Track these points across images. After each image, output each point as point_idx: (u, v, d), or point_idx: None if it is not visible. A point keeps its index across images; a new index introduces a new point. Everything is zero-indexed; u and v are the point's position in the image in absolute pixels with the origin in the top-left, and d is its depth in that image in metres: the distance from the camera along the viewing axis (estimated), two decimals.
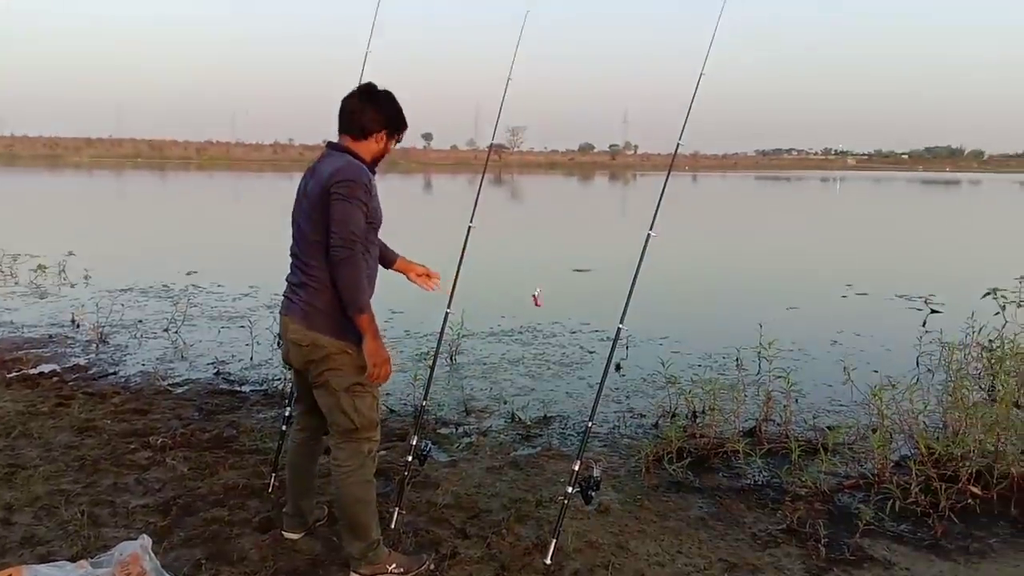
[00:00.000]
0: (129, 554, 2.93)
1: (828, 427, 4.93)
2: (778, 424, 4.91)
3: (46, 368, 5.99)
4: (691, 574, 3.18)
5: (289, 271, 3.01)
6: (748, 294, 10.75)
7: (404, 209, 30.45)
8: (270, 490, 3.80)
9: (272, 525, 3.45)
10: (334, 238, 2.72)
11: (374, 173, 2.91)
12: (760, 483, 4.14)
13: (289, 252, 3.01)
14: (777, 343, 5.68)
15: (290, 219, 2.99)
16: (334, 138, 3.01)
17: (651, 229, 3.38)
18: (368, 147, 2.93)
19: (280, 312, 3.05)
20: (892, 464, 4.19)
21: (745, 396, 5.17)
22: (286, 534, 3.34)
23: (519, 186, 49.84)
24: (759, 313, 7.58)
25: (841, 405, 5.61)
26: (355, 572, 3.02)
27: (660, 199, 3.39)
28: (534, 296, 3.64)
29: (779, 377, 5.11)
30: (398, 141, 2.99)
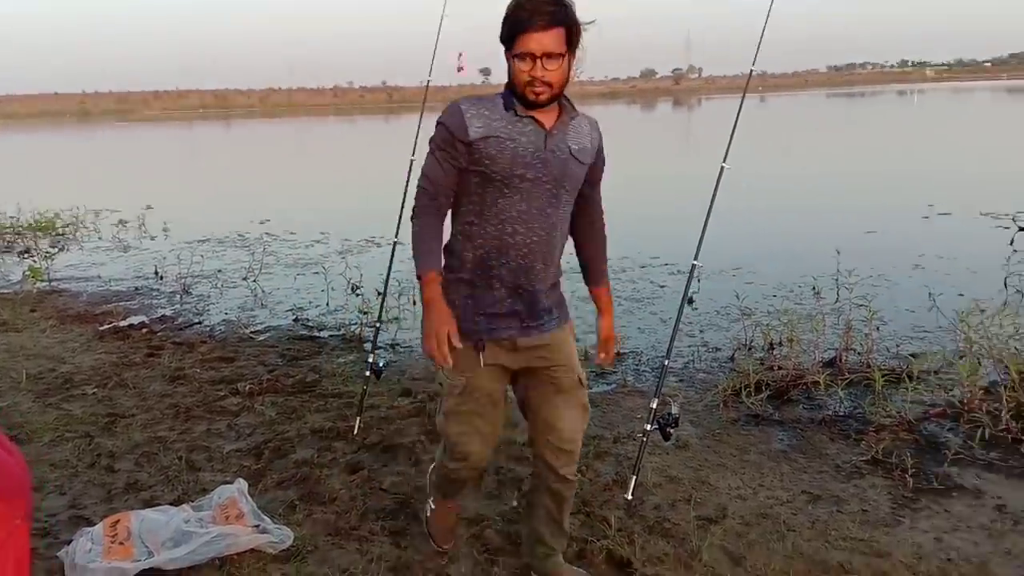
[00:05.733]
0: (227, 498, 3.08)
1: (912, 355, 4.80)
2: (859, 354, 4.80)
3: (135, 320, 6.25)
4: (774, 506, 3.18)
5: None
6: (823, 220, 10.43)
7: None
8: (355, 432, 3.91)
9: (360, 467, 3.57)
10: None
11: (533, 103, 2.17)
12: (842, 414, 4.08)
13: None
14: (856, 270, 5.54)
15: None
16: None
17: (724, 161, 3.28)
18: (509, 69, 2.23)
19: None
20: (981, 391, 4.06)
21: (824, 326, 5.06)
22: None
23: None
24: (836, 239, 7.35)
25: (926, 332, 5.45)
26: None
27: (734, 129, 3.28)
28: (459, 60, 3.64)
29: (860, 305, 5.00)
30: (520, 58, 2.14)
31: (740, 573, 2.72)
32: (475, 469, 2.52)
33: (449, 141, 2.21)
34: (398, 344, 5.64)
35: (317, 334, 5.94)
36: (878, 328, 5.20)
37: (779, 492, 3.30)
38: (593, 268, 2.56)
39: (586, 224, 2.50)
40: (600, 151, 2.39)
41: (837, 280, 6.25)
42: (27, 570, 1.00)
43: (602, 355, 2.58)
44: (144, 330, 6.00)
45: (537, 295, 2.31)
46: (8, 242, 10.22)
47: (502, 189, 2.23)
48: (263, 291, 7.38)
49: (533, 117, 2.21)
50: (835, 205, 11.54)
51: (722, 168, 3.24)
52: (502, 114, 2.22)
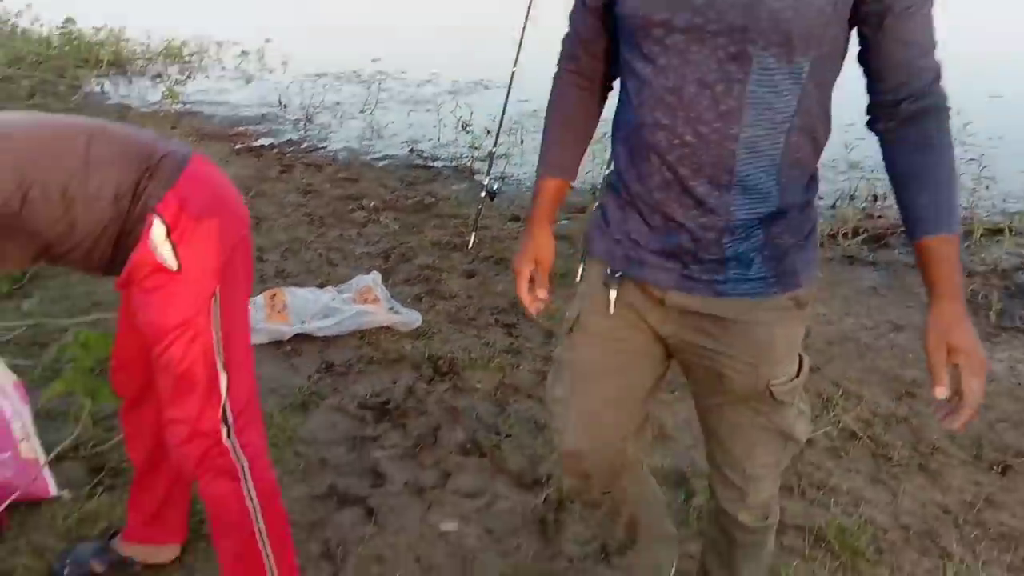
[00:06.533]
0: (365, 284, 3.53)
1: (1018, 212, 4.81)
2: (964, 208, 4.83)
3: (265, 141, 6.74)
4: (857, 331, 3.42)
5: None
6: (947, 81, 9.92)
7: None
8: (470, 246, 4.30)
9: (475, 273, 3.97)
10: None
11: None
12: None
13: None
14: (973, 125, 5.43)
15: None
16: None
17: None
18: None
19: None
20: None
21: None
22: None
23: None
24: (956, 101, 7.07)
25: None
26: None
27: None
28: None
29: (970, 160, 4.96)
30: None
31: (817, 379, 3.02)
32: (581, 476, 1.55)
33: None
34: (507, 177, 5.93)
35: (431, 164, 6.29)
36: (987, 187, 5.18)
37: (864, 320, 3.54)
38: (912, 201, 1.27)
39: (885, 114, 1.31)
40: None
41: (953, 138, 6.13)
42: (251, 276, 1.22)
43: (937, 389, 1.18)
44: (275, 150, 6.48)
45: (700, 233, 1.31)
46: (141, 67, 10.82)
47: (639, 50, 1.27)
48: (379, 124, 7.72)
49: None
50: (961, 67, 10.89)
51: None
52: None
